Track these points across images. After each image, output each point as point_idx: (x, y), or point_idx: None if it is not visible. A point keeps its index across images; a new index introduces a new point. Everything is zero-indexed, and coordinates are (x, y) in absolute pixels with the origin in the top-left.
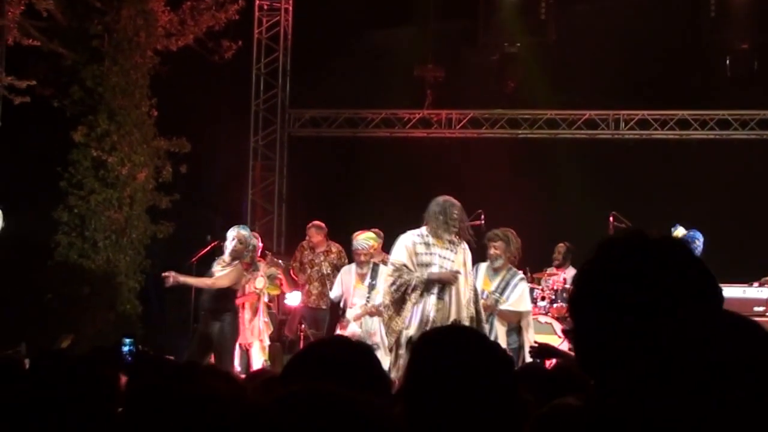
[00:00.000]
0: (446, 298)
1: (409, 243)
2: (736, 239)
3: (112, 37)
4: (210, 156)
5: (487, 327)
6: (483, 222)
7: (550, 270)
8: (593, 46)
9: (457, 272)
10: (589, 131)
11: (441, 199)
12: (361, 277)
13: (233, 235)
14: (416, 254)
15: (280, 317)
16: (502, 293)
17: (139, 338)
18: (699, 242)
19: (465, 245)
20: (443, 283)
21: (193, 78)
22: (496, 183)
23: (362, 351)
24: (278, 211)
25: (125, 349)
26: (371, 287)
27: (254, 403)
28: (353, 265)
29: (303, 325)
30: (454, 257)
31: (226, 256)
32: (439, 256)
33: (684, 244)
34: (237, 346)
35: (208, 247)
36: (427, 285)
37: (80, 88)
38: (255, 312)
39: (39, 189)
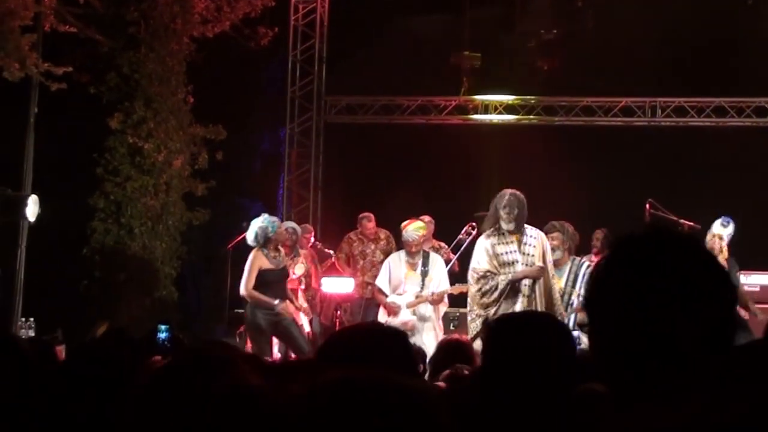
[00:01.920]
0: (534, 294)
1: (488, 245)
2: None
3: (148, 23)
4: (246, 143)
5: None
6: None
7: (589, 257)
8: (630, 33)
9: (542, 267)
10: (625, 118)
11: (498, 195)
12: (412, 265)
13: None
14: (497, 255)
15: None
16: (573, 285)
17: (175, 325)
18: (732, 226)
19: (541, 235)
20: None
21: (229, 65)
22: (532, 170)
23: (394, 335)
24: (314, 198)
25: (162, 336)
26: (424, 274)
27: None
28: (402, 253)
29: (339, 312)
30: (534, 250)
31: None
32: (521, 252)
33: (699, 241)
34: None
35: (244, 234)
36: (513, 285)
37: (117, 75)
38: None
39: (75, 175)
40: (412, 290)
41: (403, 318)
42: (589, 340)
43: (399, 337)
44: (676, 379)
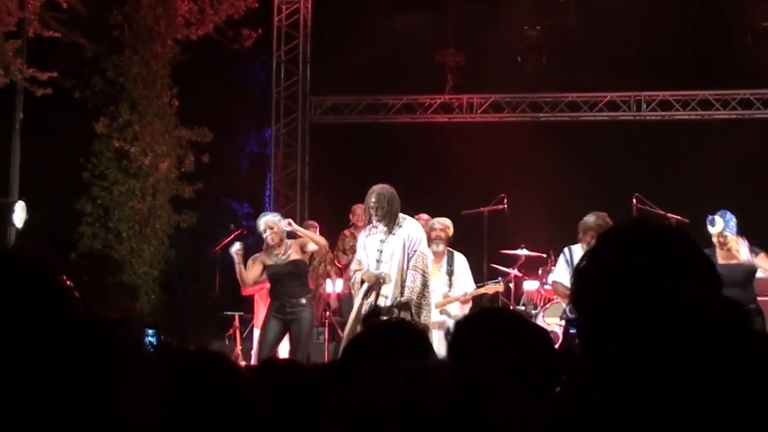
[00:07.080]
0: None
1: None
2: (758, 219)
3: (132, 27)
4: (232, 144)
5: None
6: (506, 206)
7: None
8: (613, 27)
9: (377, 275)
10: (610, 113)
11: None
12: (437, 266)
13: (262, 226)
14: (365, 247)
15: None
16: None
17: (164, 328)
18: (734, 222)
19: (405, 227)
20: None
21: (213, 67)
22: (518, 167)
23: (417, 334)
24: (301, 198)
25: (147, 340)
26: (450, 273)
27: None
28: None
29: (327, 312)
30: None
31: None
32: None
33: (684, 232)
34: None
35: (232, 236)
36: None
37: (101, 79)
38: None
39: (62, 180)
40: (440, 290)
41: (434, 318)
42: (579, 335)
43: (420, 335)
44: (669, 371)
